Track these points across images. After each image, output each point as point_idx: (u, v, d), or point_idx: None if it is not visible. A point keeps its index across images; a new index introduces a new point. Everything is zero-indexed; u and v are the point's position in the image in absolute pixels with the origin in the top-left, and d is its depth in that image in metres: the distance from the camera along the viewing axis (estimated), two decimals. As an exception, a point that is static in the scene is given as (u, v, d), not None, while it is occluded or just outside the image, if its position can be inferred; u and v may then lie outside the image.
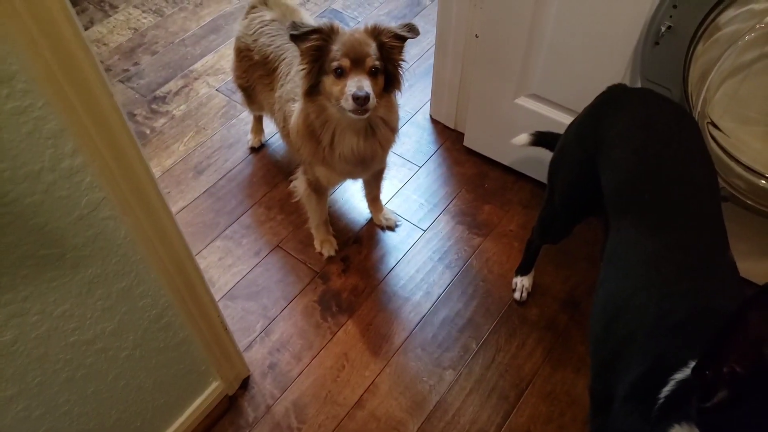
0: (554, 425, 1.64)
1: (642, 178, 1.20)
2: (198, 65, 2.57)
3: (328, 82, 1.48)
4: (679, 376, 0.86)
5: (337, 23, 1.49)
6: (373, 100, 1.44)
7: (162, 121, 2.37)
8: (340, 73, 1.45)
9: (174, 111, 2.40)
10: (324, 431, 1.62)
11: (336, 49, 1.45)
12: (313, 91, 1.52)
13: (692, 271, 1.08)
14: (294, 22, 1.47)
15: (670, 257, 1.10)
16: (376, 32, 1.48)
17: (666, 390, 0.87)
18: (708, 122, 1.54)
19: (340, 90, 1.45)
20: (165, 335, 1.30)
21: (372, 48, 1.46)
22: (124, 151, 0.97)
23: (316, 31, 1.45)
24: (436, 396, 1.69)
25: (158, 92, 2.47)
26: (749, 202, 1.59)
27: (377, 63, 1.46)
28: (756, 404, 0.67)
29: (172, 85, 2.49)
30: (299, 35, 1.45)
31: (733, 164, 1.57)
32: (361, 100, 1.42)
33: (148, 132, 2.33)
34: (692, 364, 0.85)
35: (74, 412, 1.16)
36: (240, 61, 1.93)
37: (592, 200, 1.36)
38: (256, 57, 1.84)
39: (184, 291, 1.27)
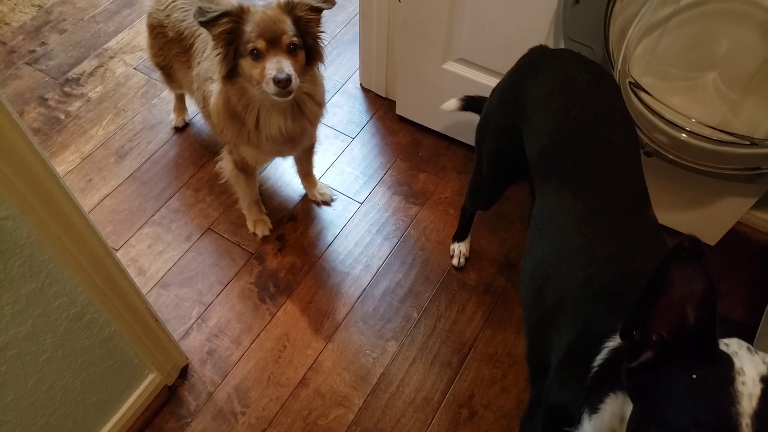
0: (497, 387, 1.67)
1: (563, 143, 1.21)
2: (112, 43, 2.43)
3: (246, 65, 1.41)
4: (612, 344, 0.88)
5: (246, 3, 1.42)
6: (295, 81, 1.39)
7: (77, 104, 2.23)
8: (257, 55, 1.38)
9: (90, 93, 2.27)
10: (268, 413, 1.60)
11: (249, 30, 1.38)
12: (231, 74, 1.45)
13: (616, 233, 1.10)
14: (200, 7, 1.38)
15: (593, 221, 1.11)
16: (289, 7, 1.41)
17: (599, 358, 0.88)
18: (630, 81, 1.56)
19: (259, 73, 1.39)
20: (89, 333, 1.24)
21: (287, 24, 1.39)
22: (13, 145, 0.89)
23: (225, 14, 1.37)
24: (380, 368, 1.69)
25: (71, 74, 2.32)
26: (671, 156, 1.64)
27: (295, 39, 1.40)
28: (673, 362, 0.68)
29: (86, 66, 2.35)
30: (207, 21, 1.37)
31: (655, 120, 1.61)
32: (282, 83, 1.36)
33: (62, 117, 2.19)
34: None
35: (-8, 423, 1.10)
36: (154, 38, 1.83)
37: (518, 166, 1.36)
38: (171, 34, 1.74)
39: (104, 286, 1.21)
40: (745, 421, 0.60)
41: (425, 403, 1.63)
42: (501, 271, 1.90)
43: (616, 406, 0.77)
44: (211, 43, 1.57)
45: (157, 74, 2.06)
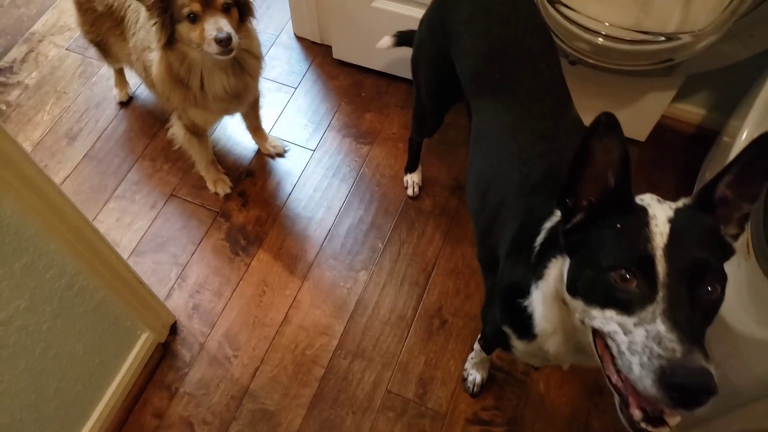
0: (462, 295, 1.84)
1: (489, 61, 1.32)
2: (38, 26, 2.39)
3: (184, 29, 1.46)
4: (548, 224, 1.02)
5: None
6: (235, 38, 1.45)
7: (16, 93, 2.23)
8: (194, 18, 1.44)
9: (26, 80, 2.26)
10: (259, 352, 1.73)
11: None
12: (170, 40, 1.50)
13: (544, 134, 1.23)
14: None
15: (524, 126, 1.24)
16: None
17: (540, 238, 1.02)
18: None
19: (198, 35, 1.45)
20: (81, 300, 1.33)
21: None
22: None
23: None
24: (354, 296, 1.84)
25: (1, 63, 2.29)
26: (593, 61, 1.77)
27: None
28: (600, 219, 0.83)
29: (16, 53, 2.32)
30: None
31: (574, 29, 1.72)
32: (224, 42, 1.43)
33: (3, 108, 2.19)
34: (558, 212, 1.01)
35: (12, 390, 1.19)
36: (83, 15, 1.83)
37: (454, 90, 1.47)
38: (100, 8, 1.76)
39: (88, 255, 1.30)
40: (659, 253, 0.75)
41: (400, 320, 1.79)
42: (453, 194, 2.04)
43: (558, 268, 0.92)
44: (144, 13, 1.61)
45: (92, 51, 2.08)
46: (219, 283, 1.85)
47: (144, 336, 1.62)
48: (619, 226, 0.80)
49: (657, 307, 0.72)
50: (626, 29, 1.70)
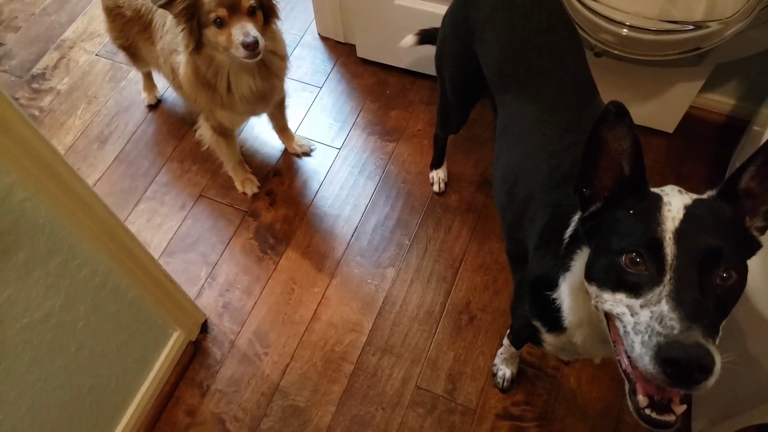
0: (490, 291, 1.83)
1: (514, 55, 1.31)
2: (69, 33, 2.45)
3: (211, 34, 1.48)
4: (577, 216, 1.00)
5: None
6: (262, 42, 1.47)
7: (48, 99, 2.28)
8: (220, 23, 1.46)
9: (58, 86, 2.32)
10: (289, 349, 1.75)
11: (208, 0, 1.45)
12: (198, 45, 1.53)
13: (571, 126, 1.22)
14: None
15: (550, 119, 1.23)
16: None
17: (569, 231, 1.02)
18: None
19: (226, 39, 1.47)
20: (114, 299, 1.36)
21: None
22: (19, 132, 0.99)
23: None
24: (382, 293, 1.84)
25: (34, 70, 2.36)
26: (618, 52, 1.75)
27: (252, 2, 1.47)
28: (615, 206, 0.83)
29: (48, 60, 2.38)
30: (165, 3, 1.44)
31: (599, 20, 1.70)
32: (251, 46, 1.45)
33: (37, 113, 2.25)
34: None
35: (48, 388, 1.22)
36: (113, 21, 1.87)
37: (478, 85, 1.47)
38: (128, 13, 1.80)
39: (120, 254, 1.32)
40: (668, 236, 0.75)
41: (428, 315, 1.79)
42: (479, 189, 2.03)
43: (582, 259, 0.91)
44: (170, 17, 1.64)
45: (121, 56, 2.11)
46: (248, 282, 1.87)
47: (175, 334, 1.65)
48: (631, 211, 0.80)
49: (663, 289, 0.72)
50: (651, 19, 1.68)
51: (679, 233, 0.74)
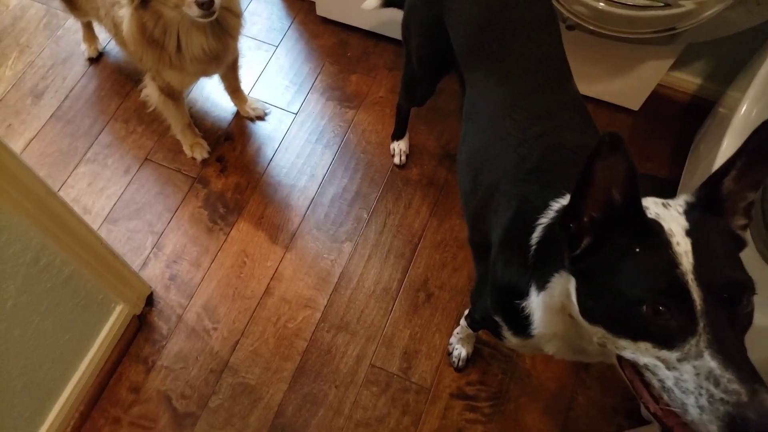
0: (449, 269, 1.79)
1: (486, 29, 1.23)
2: (-2, -28, 2.22)
3: None
4: (544, 220, 0.94)
5: None
6: (218, 0, 1.34)
7: (-25, 45, 2.08)
8: None
9: (-14, 31, 2.11)
10: (239, 325, 1.68)
11: None
12: (144, 0, 1.39)
13: (542, 112, 1.15)
14: None
15: (520, 103, 1.16)
16: None
17: (535, 236, 0.95)
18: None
19: None
20: (48, 275, 1.25)
21: None
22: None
23: None
24: (338, 268, 1.78)
25: (-41, 12, 2.14)
26: (591, 26, 1.69)
27: None
28: (612, 241, 0.75)
29: (-26, 1, 2.16)
30: None
31: (575, -8, 1.64)
32: (206, 5, 1.33)
33: (-39, 61, 2.05)
34: (553, 205, 0.94)
35: (-27, 372, 1.13)
36: (46, -39, 1.69)
37: (447, 58, 1.38)
38: (64, -46, 1.62)
39: (54, 228, 1.21)
40: (690, 277, 0.68)
41: (384, 292, 1.74)
42: (441, 163, 1.98)
43: (562, 284, 0.85)
44: (112, -37, 1.48)
45: (57, 2, 1.93)
46: (197, 253, 1.78)
47: (118, 308, 1.56)
48: (638, 249, 0.72)
49: (700, 339, 0.67)
50: (628, -6, 1.62)
51: (698, 272, 0.68)
